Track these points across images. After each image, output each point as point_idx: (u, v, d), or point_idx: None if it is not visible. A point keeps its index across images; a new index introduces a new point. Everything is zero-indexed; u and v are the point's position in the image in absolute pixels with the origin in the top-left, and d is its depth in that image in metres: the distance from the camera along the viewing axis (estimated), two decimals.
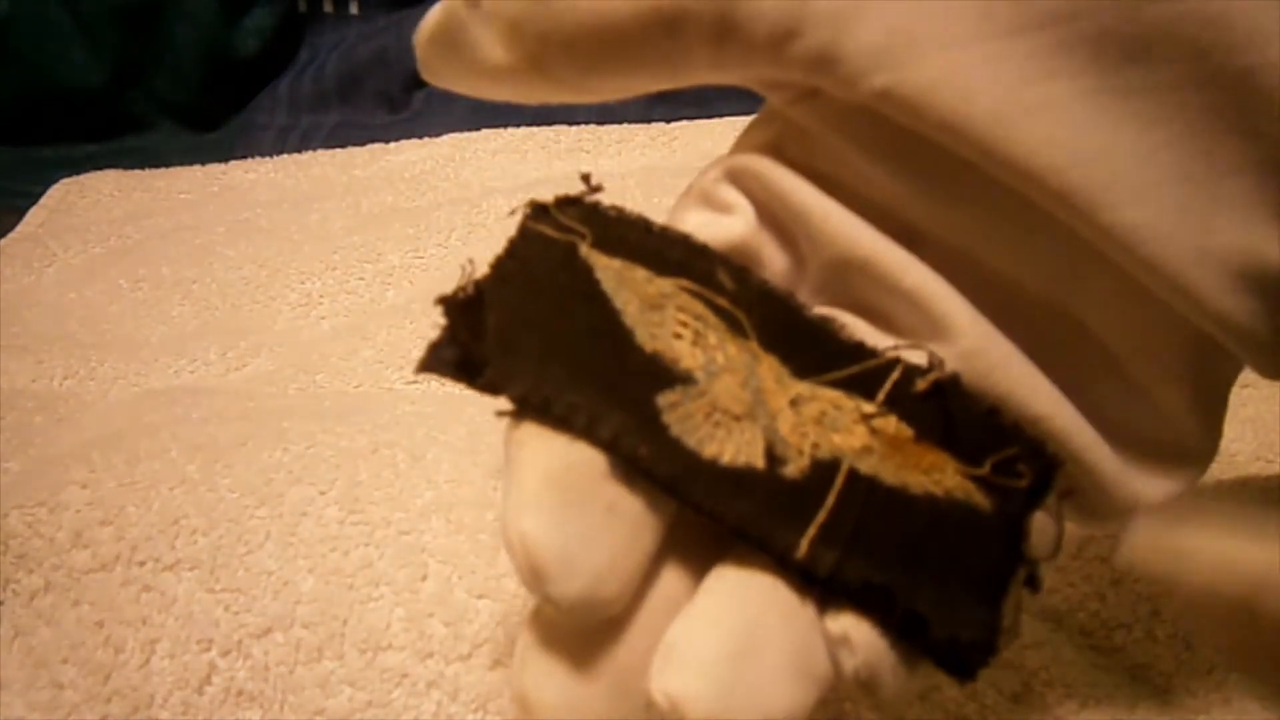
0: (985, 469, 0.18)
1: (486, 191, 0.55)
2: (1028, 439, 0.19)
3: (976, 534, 0.18)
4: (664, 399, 0.17)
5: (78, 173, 0.63)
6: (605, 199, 0.20)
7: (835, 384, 0.19)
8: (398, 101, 0.73)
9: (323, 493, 0.27)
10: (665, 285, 0.19)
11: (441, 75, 0.21)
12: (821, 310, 0.20)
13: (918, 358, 0.19)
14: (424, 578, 0.26)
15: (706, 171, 0.21)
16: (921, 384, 0.19)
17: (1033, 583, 0.18)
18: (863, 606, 0.17)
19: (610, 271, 0.19)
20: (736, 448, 0.17)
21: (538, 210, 0.19)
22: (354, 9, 0.77)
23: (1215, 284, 0.18)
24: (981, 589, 0.18)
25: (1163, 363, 0.20)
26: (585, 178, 0.20)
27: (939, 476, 0.18)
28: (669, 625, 0.17)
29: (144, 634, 0.25)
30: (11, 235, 0.58)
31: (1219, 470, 0.34)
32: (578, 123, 0.63)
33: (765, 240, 0.20)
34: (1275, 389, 0.37)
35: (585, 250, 0.19)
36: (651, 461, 0.17)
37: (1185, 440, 0.21)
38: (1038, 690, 0.24)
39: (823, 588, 0.17)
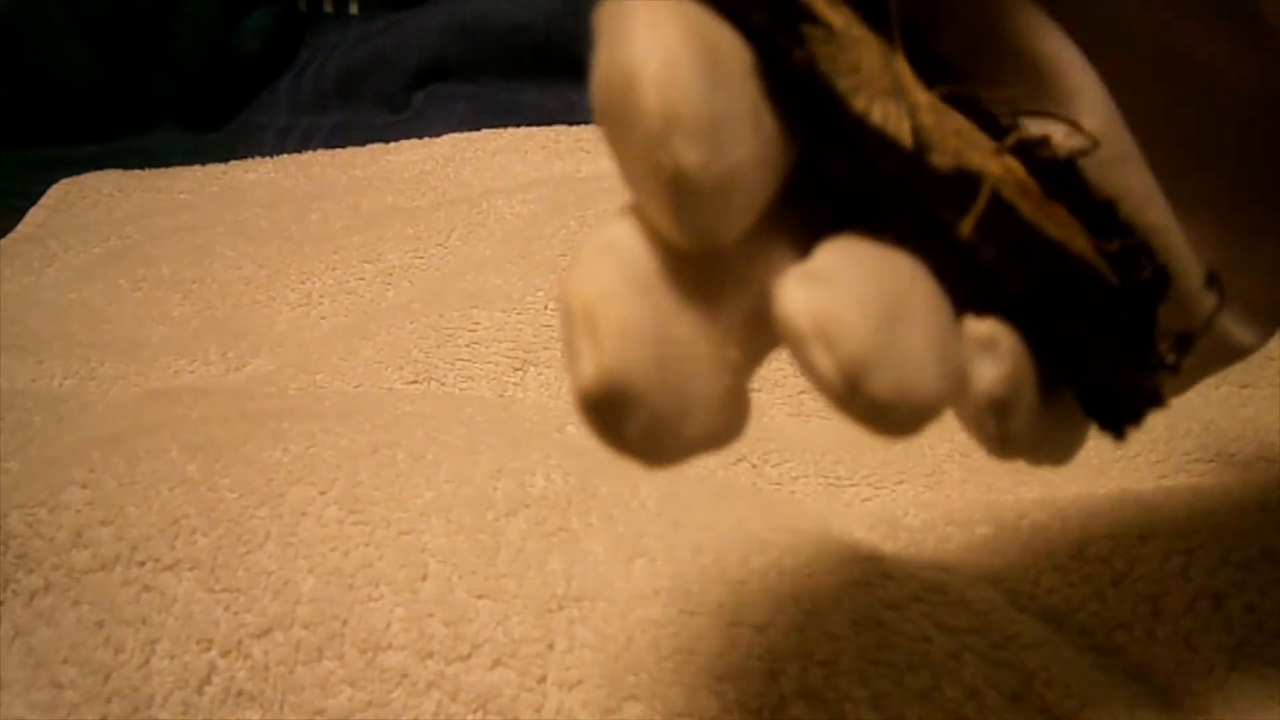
0: (1114, 246, 0.16)
1: (486, 191, 0.55)
2: (1142, 240, 0.17)
3: (1111, 300, 0.16)
4: (810, 31, 0.14)
5: (78, 173, 0.63)
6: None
7: (964, 112, 0.16)
8: (398, 101, 0.73)
9: (323, 493, 0.27)
10: None
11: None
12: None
13: (1040, 129, 0.17)
14: (424, 578, 0.26)
15: None
16: (1046, 153, 0.16)
17: (1174, 362, 0.17)
18: (1015, 319, 0.14)
19: None
20: (884, 114, 0.14)
21: None
22: (354, 9, 0.77)
23: None
24: (1123, 352, 0.16)
25: None
26: None
27: (1071, 234, 0.16)
28: (758, 299, 0.14)
29: (144, 634, 0.25)
30: (11, 235, 0.58)
31: (1219, 470, 0.34)
32: (578, 123, 0.63)
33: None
34: (1275, 389, 0.37)
35: None
36: (805, 74, 0.13)
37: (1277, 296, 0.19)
38: (1038, 690, 0.24)
39: (978, 283, 0.14)
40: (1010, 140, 0.16)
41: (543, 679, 0.24)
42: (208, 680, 0.25)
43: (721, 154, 0.12)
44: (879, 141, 0.14)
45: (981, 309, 0.14)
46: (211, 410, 0.33)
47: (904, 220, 0.14)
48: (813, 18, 0.14)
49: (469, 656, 0.24)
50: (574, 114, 0.65)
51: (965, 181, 0.15)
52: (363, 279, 0.49)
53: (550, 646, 0.24)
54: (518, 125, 0.64)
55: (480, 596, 0.25)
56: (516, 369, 0.41)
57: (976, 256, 0.14)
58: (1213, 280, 0.18)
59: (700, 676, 0.24)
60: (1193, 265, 0.18)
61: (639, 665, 0.24)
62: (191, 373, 0.42)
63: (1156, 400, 0.15)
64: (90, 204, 0.61)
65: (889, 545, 0.30)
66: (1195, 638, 0.26)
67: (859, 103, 0.14)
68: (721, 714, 0.24)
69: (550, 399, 0.40)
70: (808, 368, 0.12)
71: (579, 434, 0.35)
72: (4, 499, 0.28)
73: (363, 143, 0.65)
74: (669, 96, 0.11)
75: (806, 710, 0.24)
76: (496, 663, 0.24)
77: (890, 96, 0.15)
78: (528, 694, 0.24)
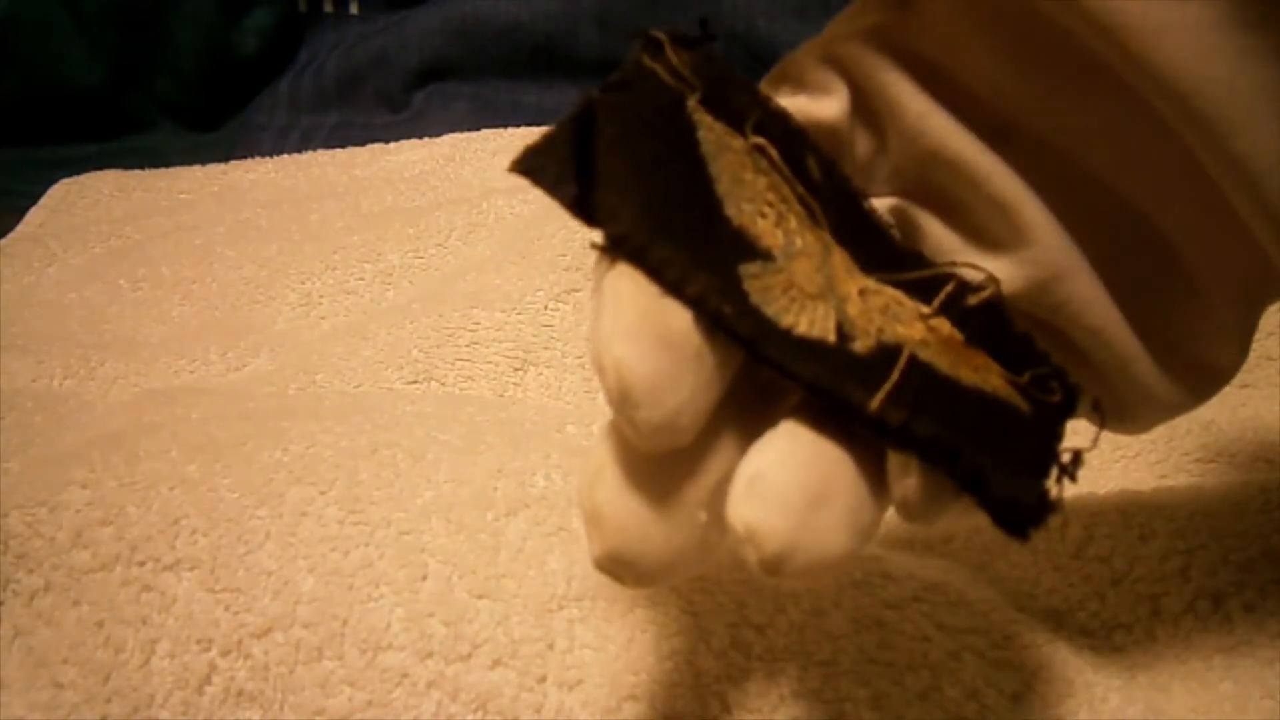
0: (1025, 379, 0.20)
1: (486, 191, 0.55)
2: (1056, 365, 0.21)
3: (1019, 427, 0.20)
4: (746, 269, 0.18)
5: (78, 173, 0.63)
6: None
7: (897, 284, 0.20)
8: (398, 101, 0.73)
9: (323, 493, 0.27)
10: (760, 162, 0.20)
11: None
12: (893, 202, 0.21)
13: (972, 275, 0.20)
14: (424, 578, 0.26)
15: (807, 50, 0.22)
16: (973, 299, 0.20)
17: (1070, 472, 0.20)
18: (928, 458, 0.18)
19: (712, 135, 0.19)
20: (810, 321, 0.18)
21: (653, 45, 0.20)
22: (354, 9, 0.77)
23: None
24: (1028, 468, 0.19)
25: (1233, 284, 0.21)
26: (703, 22, 0.20)
27: (986, 375, 0.20)
28: (720, 473, 0.18)
29: (144, 634, 0.25)
30: (11, 235, 0.58)
31: (1219, 471, 0.34)
32: None
33: (856, 124, 0.21)
34: (1275, 389, 0.37)
35: (692, 105, 0.19)
36: (734, 321, 0.18)
37: (1220, 358, 0.22)
38: (1038, 690, 0.24)
39: (893, 440, 0.18)
40: (936, 302, 0.20)
41: (543, 679, 0.24)
42: (208, 680, 0.25)
43: (662, 405, 0.17)
44: (803, 347, 0.18)
45: (901, 447, 0.18)
46: (211, 410, 0.33)
47: (831, 402, 0.18)
48: (751, 253, 0.19)
49: (469, 656, 0.24)
50: None
51: (885, 356, 0.19)
52: (363, 279, 0.49)
53: (550, 646, 0.24)
54: (518, 125, 0.64)
55: (480, 596, 0.25)
56: (516, 369, 0.41)
57: (885, 422, 0.18)
58: (1095, 406, 0.21)
59: (700, 676, 0.24)
60: (1138, 351, 0.22)
61: (639, 665, 0.24)
62: (191, 373, 0.42)
63: (1052, 507, 0.19)
64: (90, 204, 0.61)
65: (889, 545, 0.30)
66: (1195, 638, 0.26)
67: (787, 319, 0.18)
68: (721, 714, 0.24)
69: (550, 399, 0.40)
70: (743, 555, 0.17)
71: (579, 434, 0.35)
72: (4, 499, 0.28)
73: (363, 143, 0.65)
74: (621, 379, 0.16)
75: (806, 710, 0.24)
76: (496, 663, 0.24)
77: (819, 300, 0.19)
78: (528, 694, 0.24)
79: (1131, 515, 0.29)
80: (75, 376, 0.42)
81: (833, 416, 0.18)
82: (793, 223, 0.19)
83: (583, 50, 0.71)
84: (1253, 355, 0.39)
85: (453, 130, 0.64)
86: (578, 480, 0.18)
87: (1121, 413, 0.22)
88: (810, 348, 0.18)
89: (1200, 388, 0.23)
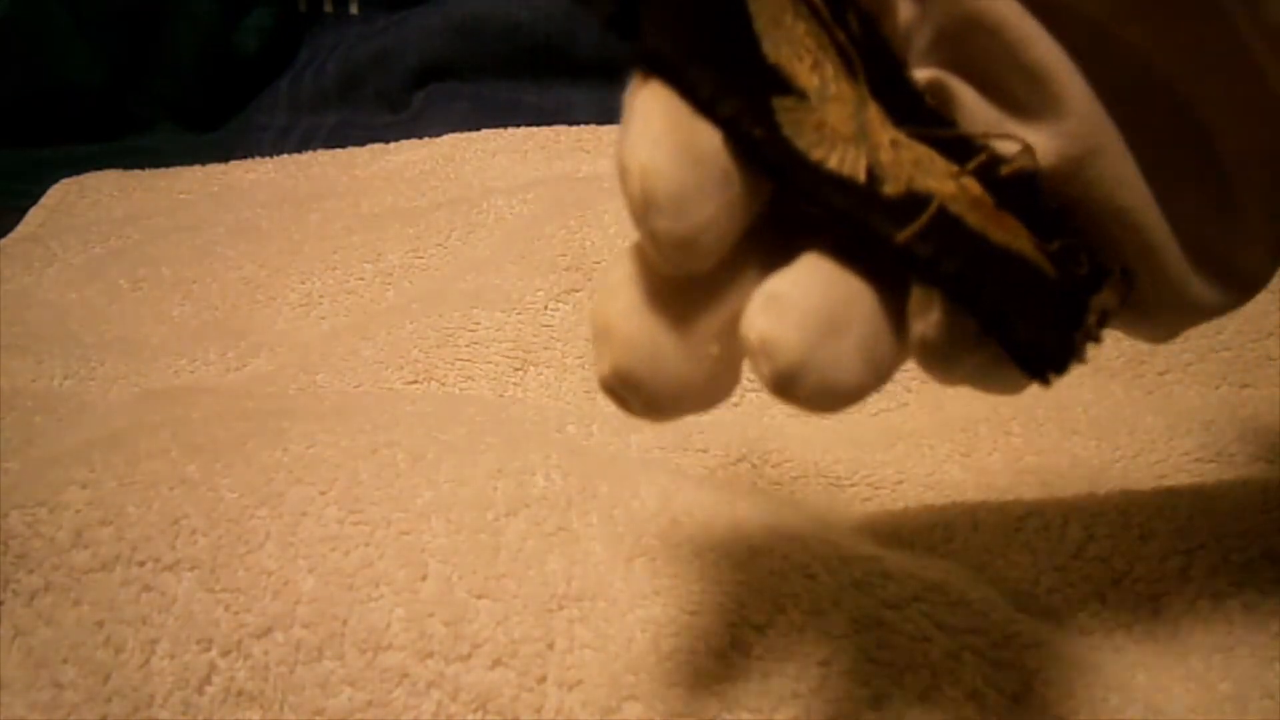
0: (1054, 246, 0.20)
1: (486, 191, 0.55)
2: (1087, 242, 0.21)
3: (1044, 288, 0.20)
4: (779, 102, 0.18)
5: (78, 173, 0.63)
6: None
7: (930, 143, 0.20)
8: (398, 101, 0.73)
9: (323, 493, 0.27)
10: (801, 9, 0.20)
11: None
12: (930, 74, 0.21)
13: (1006, 147, 0.20)
14: (424, 578, 0.26)
15: None
16: (1005, 169, 0.20)
17: (1094, 334, 0.20)
18: (953, 294, 0.18)
19: None
20: (841, 159, 0.18)
21: None
22: (354, 9, 0.77)
23: None
24: (1052, 322, 0.19)
25: (1267, 187, 0.21)
26: None
27: (1015, 238, 0.20)
28: (737, 307, 0.18)
29: (144, 634, 0.25)
30: (11, 235, 0.58)
31: (1219, 470, 0.34)
32: (578, 123, 0.63)
33: None
34: (1275, 389, 0.37)
35: None
36: (764, 145, 0.17)
37: (1249, 264, 0.22)
38: (1038, 690, 0.24)
39: (919, 272, 0.18)
40: (970, 165, 0.20)
41: (543, 679, 0.24)
42: (208, 680, 0.25)
43: (686, 217, 0.16)
44: (832, 182, 0.18)
45: (926, 280, 0.18)
46: (211, 410, 0.33)
47: (858, 237, 0.18)
48: (786, 88, 0.18)
49: (469, 656, 0.24)
50: (574, 114, 0.65)
51: (914, 202, 0.19)
52: (363, 279, 0.49)
53: (550, 646, 0.24)
54: (518, 125, 0.64)
55: (480, 596, 0.25)
56: (516, 369, 0.41)
57: (913, 254, 0.18)
58: (1124, 274, 0.21)
59: (700, 677, 0.24)
60: (1168, 240, 0.21)
61: (639, 665, 0.24)
62: (191, 373, 0.42)
63: (1076, 354, 0.19)
64: (90, 204, 0.61)
65: (889, 545, 0.30)
66: (1195, 638, 0.26)
67: (817, 153, 0.18)
68: (721, 714, 0.24)
69: (550, 399, 0.40)
70: (756, 370, 0.17)
71: (579, 434, 0.35)
72: (4, 499, 0.28)
73: (363, 143, 0.65)
74: (645, 183, 0.16)
75: (806, 710, 0.24)
76: (496, 663, 0.24)
77: (851, 142, 0.19)
78: (528, 694, 0.24)
79: (1131, 515, 0.29)
80: (75, 376, 0.42)
81: (856, 254, 0.18)
82: (829, 70, 0.19)
83: (583, 50, 0.70)
84: (1253, 355, 0.39)
85: (453, 130, 0.64)
86: (592, 299, 0.17)
87: (1145, 307, 0.22)
88: (839, 183, 0.18)
89: (1229, 290, 0.22)
